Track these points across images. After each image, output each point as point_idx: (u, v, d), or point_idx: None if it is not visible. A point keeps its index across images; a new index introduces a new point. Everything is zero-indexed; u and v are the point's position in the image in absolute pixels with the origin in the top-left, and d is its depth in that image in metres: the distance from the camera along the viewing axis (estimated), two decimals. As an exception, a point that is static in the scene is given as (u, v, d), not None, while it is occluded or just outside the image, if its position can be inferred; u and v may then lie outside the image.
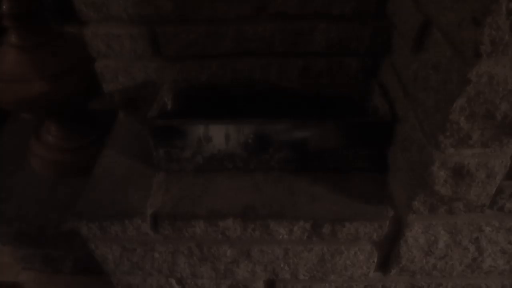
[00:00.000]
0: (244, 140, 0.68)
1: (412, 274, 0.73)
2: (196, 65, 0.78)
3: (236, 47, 0.75)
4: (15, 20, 0.87)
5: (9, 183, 1.04)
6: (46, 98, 0.89)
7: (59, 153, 1.04)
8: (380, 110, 0.69)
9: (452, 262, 0.69)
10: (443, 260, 0.69)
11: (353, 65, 0.77)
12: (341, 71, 0.77)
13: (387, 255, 0.71)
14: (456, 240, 0.65)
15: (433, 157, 0.53)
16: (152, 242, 0.71)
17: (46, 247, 1.03)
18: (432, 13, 0.54)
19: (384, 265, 0.73)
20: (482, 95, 0.46)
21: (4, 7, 0.86)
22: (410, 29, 0.61)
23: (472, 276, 0.73)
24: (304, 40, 0.73)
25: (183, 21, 0.72)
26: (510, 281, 0.74)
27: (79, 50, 0.90)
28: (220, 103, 0.81)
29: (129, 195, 0.69)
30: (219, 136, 0.68)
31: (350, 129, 0.67)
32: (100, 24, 0.71)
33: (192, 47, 0.75)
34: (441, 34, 0.51)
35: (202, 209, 0.66)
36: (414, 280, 0.75)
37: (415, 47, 0.60)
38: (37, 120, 1.12)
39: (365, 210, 0.65)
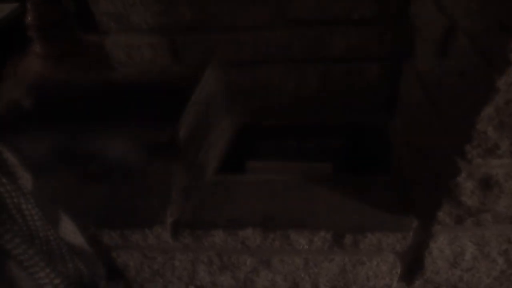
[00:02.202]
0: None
1: (437, 286, 0.71)
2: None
3: (255, 54, 0.74)
4: (40, 31, 0.89)
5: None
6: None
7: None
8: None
9: (479, 274, 0.67)
10: (469, 272, 0.67)
11: (374, 70, 0.75)
12: (361, 76, 0.76)
13: (411, 266, 0.69)
14: (484, 252, 0.63)
15: (460, 167, 0.51)
16: (172, 250, 0.71)
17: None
18: (457, 17, 0.52)
19: (408, 276, 0.71)
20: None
21: (29, 18, 0.88)
22: (433, 33, 0.59)
23: (501, 288, 0.70)
24: (323, 46, 0.72)
25: (201, 29, 0.72)
26: (542, 294, 0.71)
27: (100, 59, 0.92)
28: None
29: (149, 203, 0.70)
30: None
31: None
32: (121, 34, 0.72)
33: (211, 55, 0.75)
34: (467, 39, 0.49)
35: (221, 218, 0.66)
36: (440, 291, 0.73)
37: (439, 53, 0.58)
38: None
39: (387, 220, 0.63)
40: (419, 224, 0.62)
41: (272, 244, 0.66)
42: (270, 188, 0.70)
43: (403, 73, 0.74)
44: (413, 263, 0.68)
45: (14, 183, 0.50)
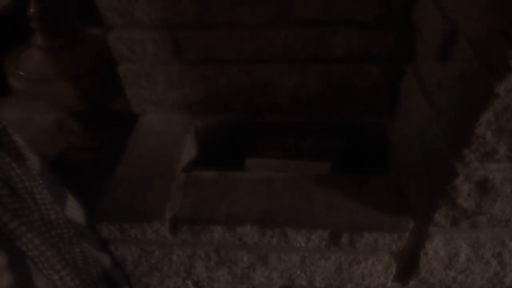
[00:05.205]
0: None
1: (431, 286, 0.72)
2: (216, 69, 0.79)
3: (256, 52, 0.74)
4: (42, 22, 0.89)
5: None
6: (68, 98, 0.91)
7: (79, 153, 1.06)
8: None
9: (473, 276, 0.68)
10: (463, 273, 0.68)
11: (375, 72, 0.75)
12: (363, 78, 0.76)
13: (406, 266, 0.69)
14: (478, 254, 0.63)
15: (457, 170, 0.52)
16: (170, 245, 0.71)
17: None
18: (458, 21, 0.52)
19: (403, 275, 0.72)
20: (510, 110, 0.44)
21: (31, 10, 0.88)
22: (435, 37, 0.60)
23: (493, 290, 0.71)
24: (325, 47, 0.72)
25: (204, 25, 0.72)
26: (534, 297, 0.72)
27: (100, 52, 0.92)
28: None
29: (148, 198, 0.70)
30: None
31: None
32: (124, 29, 0.72)
33: (213, 51, 0.75)
34: (467, 44, 0.50)
35: (220, 215, 0.67)
36: (433, 292, 0.74)
37: (440, 56, 0.58)
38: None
39: (384, 220, 0.64)
40: (416, 225, 0.63)
41: (270, 241, 0.67)
42: (269, 186, 0.71)
43: (404, 76, 0.74)
44: (408, 263, 0.69)
45: (22, 165, 0.49)
